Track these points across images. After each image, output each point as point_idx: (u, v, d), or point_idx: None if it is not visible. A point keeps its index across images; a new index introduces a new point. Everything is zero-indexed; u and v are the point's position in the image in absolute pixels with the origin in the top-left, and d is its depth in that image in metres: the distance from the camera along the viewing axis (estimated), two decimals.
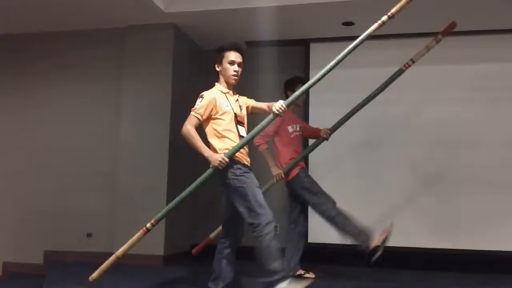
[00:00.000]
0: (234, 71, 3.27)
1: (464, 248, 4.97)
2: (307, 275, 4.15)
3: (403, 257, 4.89)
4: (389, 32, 5.17)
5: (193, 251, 4.26)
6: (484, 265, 4.79)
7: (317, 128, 4.33)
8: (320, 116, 5.31)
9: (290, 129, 4.19)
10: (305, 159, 4.48)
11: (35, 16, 5.23)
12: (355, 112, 4.14)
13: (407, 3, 3.22)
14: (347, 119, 4.16)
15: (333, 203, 3.96)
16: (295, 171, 4.07)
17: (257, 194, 3.08)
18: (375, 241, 3.72)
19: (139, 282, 3.79)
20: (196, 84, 5.92)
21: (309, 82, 3.30)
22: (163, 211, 3.30)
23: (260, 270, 3.01)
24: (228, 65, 3.27)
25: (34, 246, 5.26)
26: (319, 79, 3.24)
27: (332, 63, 3.22)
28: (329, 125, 4.26)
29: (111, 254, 4.92)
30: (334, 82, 5.23)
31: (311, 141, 4.54)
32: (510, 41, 5.21)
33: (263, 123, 3.19)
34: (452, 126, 5.19)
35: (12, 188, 5.47)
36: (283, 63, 5.57)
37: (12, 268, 5.26)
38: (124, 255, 3.28)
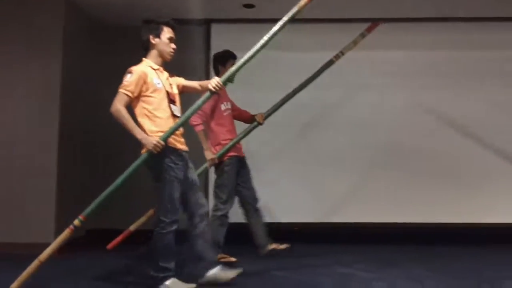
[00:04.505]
0: (173, 48, 3.17)
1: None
2: (228, 259, 4.11)
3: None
4: (323, 16, 5.37)
5: (109, 246, 4.01)
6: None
7: (246, 111, 4.33)
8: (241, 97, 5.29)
9: (223, 107, 4.13)
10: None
11: None
12: (289, 99, 4.19)
13: None
14: (281, 105, 4.19)
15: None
16: (226, 157, 4.05)
17: (174, 190, 3.00)
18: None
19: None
20: (94, 61, 5.65)
21: (246, 56, 3.14)
22: (92, 205, 3.01)
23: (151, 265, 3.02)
24: (168, 41, 3.14)
25: None
26: (257, 52, 3.13)
27: (271, 33, 3.13)
28: (249, 106, 4.31)
29: None
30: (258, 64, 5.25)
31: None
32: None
33: (199, 102, 3.06)
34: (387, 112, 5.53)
35: None
36: (184, 43, 5.42)
37: None
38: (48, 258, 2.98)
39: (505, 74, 5.55)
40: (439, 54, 5.59)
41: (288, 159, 5.49)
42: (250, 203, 4.21)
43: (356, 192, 5.43)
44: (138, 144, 3.04)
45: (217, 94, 3.82)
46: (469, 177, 5.41)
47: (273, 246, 4.21)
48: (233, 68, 3.19)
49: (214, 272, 3.11)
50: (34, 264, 2.93)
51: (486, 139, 5.47)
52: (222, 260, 4.06)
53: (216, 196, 4.04)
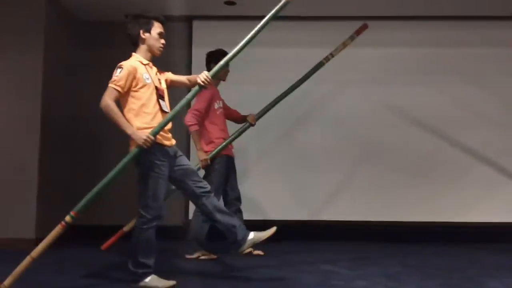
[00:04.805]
0: (163, 43, 3.15)
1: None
2: (209, 256, 4.13)
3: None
4: (312, 14, 5.41)
5: (103, 247, 4.02)
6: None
7: (236, 111, 4.37)
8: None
9: (216, 105, 4.16)
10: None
11: None
12: (280, 100, 4.22)
13: None
14: (272, 107, 4.23)
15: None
16: (217, 155, 4.08)
17: (158, 187, 2.97)
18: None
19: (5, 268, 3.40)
20: (75, 56, 5.62)
21: (233, 51, 3.13)
22: (83, 201, 2.91)
23: (130, 260, 2.99)
24: (158, 36, 3.12)
25: None
26: (242, 48, 3.11)
27: (255, 30, 3.11)
28: (237, 104, 4.37)
29: None
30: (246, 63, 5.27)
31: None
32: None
33: (188, 96, 3.04)
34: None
35: None
36: (166, 39, 5.43)
37: None
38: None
39: (493, 72, 5.61)
40: (425, 52, 5.59)
41: (273, 156, 5.51)
42: (234, 204, 4.22)
43: (342, 190, 5.44)
44: (122, 140, 3.03)
45: (211, 93, 3.88)
46: (451, 175, 5.45)
47: (249, 250, 4.25)
48: (221, 62, 3.16)
49: (252, 237, 3.14)
50: (26, 261, 2.88)
51: (470, 138, 5.51)
52: (203, 257, 4.10)
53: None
